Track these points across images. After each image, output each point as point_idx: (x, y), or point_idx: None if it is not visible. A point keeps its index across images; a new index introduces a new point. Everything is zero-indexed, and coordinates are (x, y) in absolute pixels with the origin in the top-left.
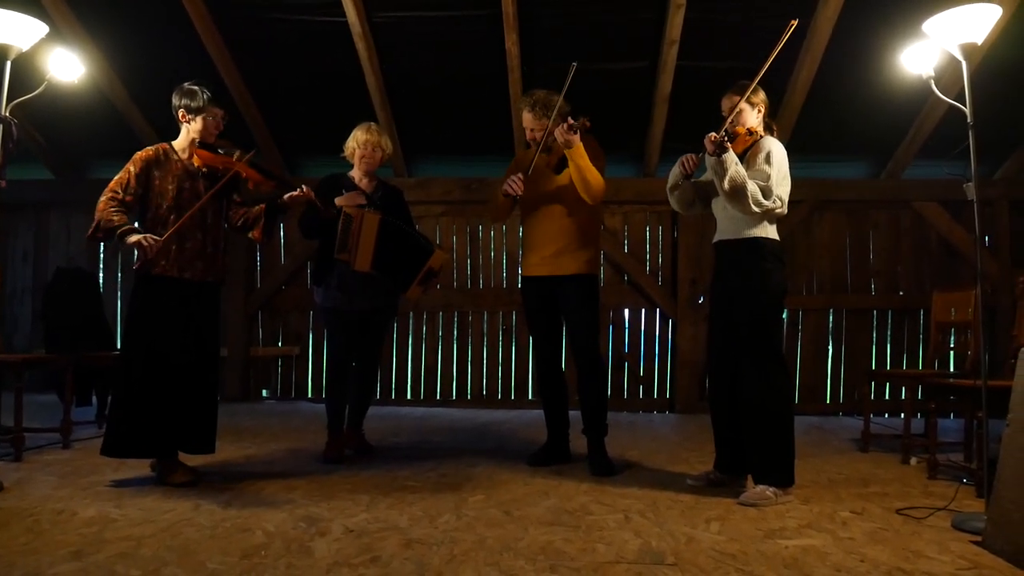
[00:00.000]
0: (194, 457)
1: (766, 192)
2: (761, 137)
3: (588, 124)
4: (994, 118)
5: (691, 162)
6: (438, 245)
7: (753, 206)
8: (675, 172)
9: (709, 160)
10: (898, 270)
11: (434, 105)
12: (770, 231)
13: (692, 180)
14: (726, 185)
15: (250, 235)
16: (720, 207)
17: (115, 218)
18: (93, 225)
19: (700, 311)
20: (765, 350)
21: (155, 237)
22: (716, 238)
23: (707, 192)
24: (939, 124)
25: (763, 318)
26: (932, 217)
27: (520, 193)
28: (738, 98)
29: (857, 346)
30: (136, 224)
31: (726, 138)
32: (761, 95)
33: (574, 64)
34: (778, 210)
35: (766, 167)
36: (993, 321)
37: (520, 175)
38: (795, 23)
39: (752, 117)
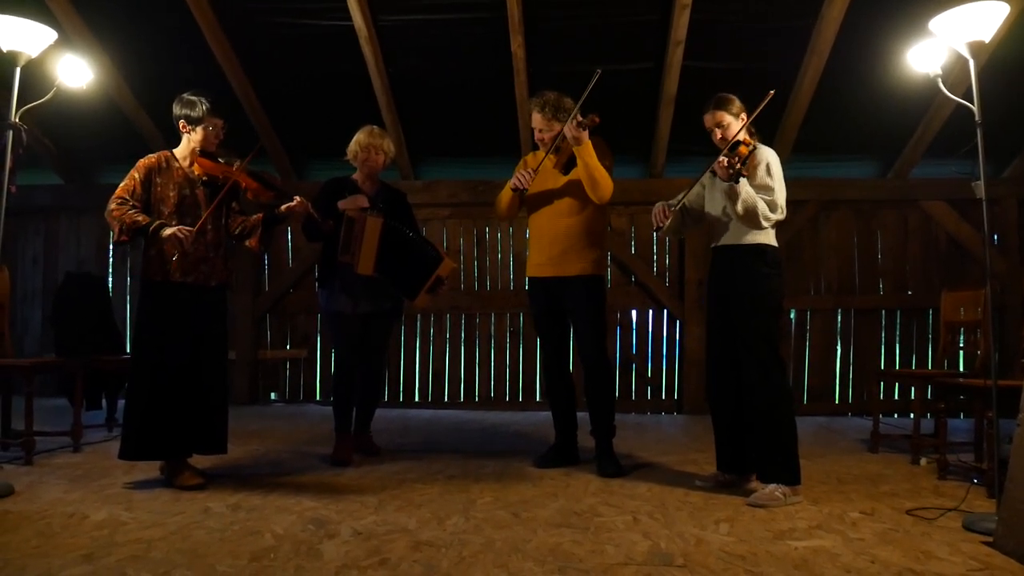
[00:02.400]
0: (204, 459)
1: (772, 206)
2: (755, 148)
3: (597, 120)
4: (1002, 116)
5: (661, 215)
6: (444, 252)
7: (763, 222)
8: (654, 222)
9: (721, 185)
10: (906, 270)
11: (440, 108)
12: (770, 237)
13: (666, 223)
14: (739, 208)
15: (246, 244)
16: (720, 212)
17: (139, 217)
18: (116, 230)
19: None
20: (764, 352)
21: (188, 228)
22: (715, 243)
23: (697, 213)
24: (947, 123)
25: (763, 322)
26: (940, 216)
27: (528, 187)
28: (719, 112)
29: (865, 346)
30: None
31: (740, 163)
32: (737, 103)
33: (598, 71)
34: (781, 218)
35: (768, 180)
36: (1002, 320)
37: (530, 170)
38: (772, 93)
39: (740, 129)
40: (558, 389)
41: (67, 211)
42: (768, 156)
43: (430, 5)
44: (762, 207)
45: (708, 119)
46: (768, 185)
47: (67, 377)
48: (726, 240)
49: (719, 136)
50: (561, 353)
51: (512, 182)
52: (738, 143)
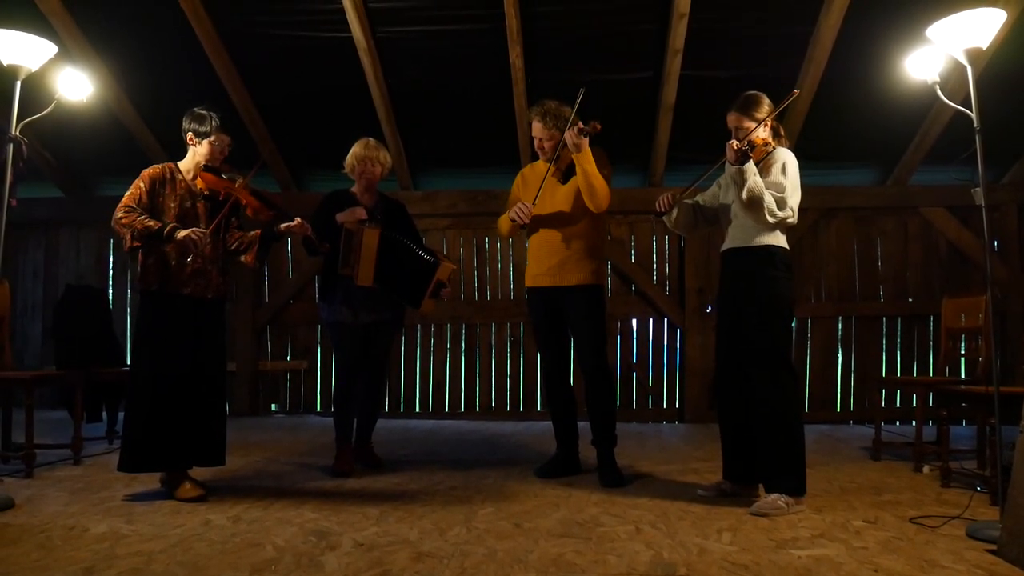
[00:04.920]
0: (204, 471)
1: (780, 203)
2: (774, 148)
3: (599, 127)
4: (1001, 122)
5: (665, 201)
6: (444, 256)
7: (768, 216)
8: (657, 207)
9: (730, 169)
10: (907, 277)
11: (439, 118)
12: (780, 239)
13: (672, 212)
14: (744, 195)
15: (242, 259)
16: (731, 214)
17: (150, 223)
18: (127, 237)
19: (708, 320)
20: (774, 358)
21: (201, 230)
22: (725, 246)
23: (710, 213)
24: (945, 129)
25: (772, 326)
26: (940, 223)
27: (527, 222)
28: (743, 117)
29: (867, 353)
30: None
31: (748, 148)
32: (765, 107)
33: (582, 90)
34: (789, 220)
35: (781, 178)
36: (1004, 327)
37: (527, 204)
38: (797, 93)
39: (761, 130)
40: (558, 399)
41: (67, 224)
42: (786, 157)
43: (428, 16)
44: (768, 199)
45: (730, 119)
46: (780, 183)
47: (67, 389)
48: (735, 243)
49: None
50: (561, 363)
51: (511, 215)
52: (755, 144)
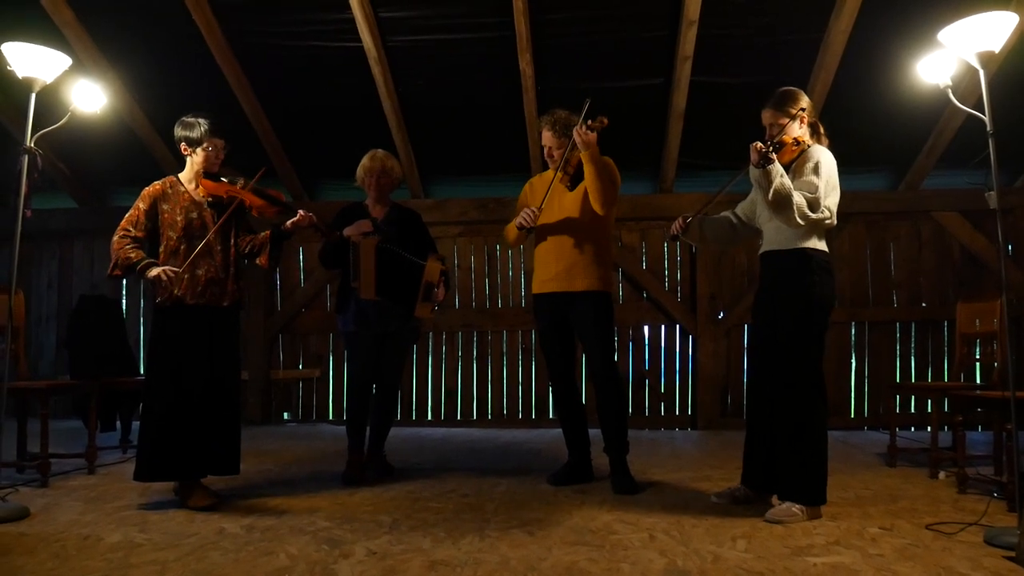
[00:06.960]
0: (218, 480)
1: (813, 204)
2: (809, 146)
3: (606, 122)
4: (1014, 126)
5: (678, 226)
6: (438, 257)
7: (799, 219)
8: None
9: (754, 172)
10: (920, 282)
11: (450, 126)
12: (818, 243)
13: (687, 232)
14: (770, 197)
15: (256, 261)
16: (767, 218)
17: (132, 255)
18: (112, 263)
19: (720, 327)
20: (802, 364)
21: (173, 269)
22: (762, 249)
23: (752, 226)
24: (958, 133)
25: (804, 331)
26: (953, 227)
27: (534, 225)
28: (778, 113)
29: (881, 359)
30: (151, 259)
31: (771, 149)
32: (802, 103)
33: (588, 100)
34: (827, 221)
35: (814, 178)
36: (1019, 331)
37: (534, 208)
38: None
39: (796, 127)
40: (567, 406)
41: (81, 234)
42: (819, 155)
43: (438, 25)
44: (798, 199)
45: (764, 116)
46: (812, 182)
47: (81, 399)
48: (772, 246)
49: (771, 135)
50: (567, 370)
51: (518, 221)
52: (784, 143)
